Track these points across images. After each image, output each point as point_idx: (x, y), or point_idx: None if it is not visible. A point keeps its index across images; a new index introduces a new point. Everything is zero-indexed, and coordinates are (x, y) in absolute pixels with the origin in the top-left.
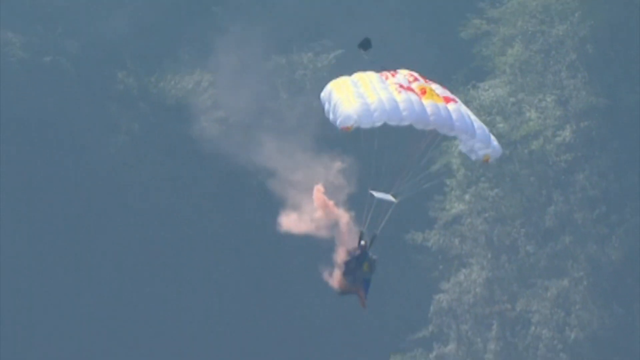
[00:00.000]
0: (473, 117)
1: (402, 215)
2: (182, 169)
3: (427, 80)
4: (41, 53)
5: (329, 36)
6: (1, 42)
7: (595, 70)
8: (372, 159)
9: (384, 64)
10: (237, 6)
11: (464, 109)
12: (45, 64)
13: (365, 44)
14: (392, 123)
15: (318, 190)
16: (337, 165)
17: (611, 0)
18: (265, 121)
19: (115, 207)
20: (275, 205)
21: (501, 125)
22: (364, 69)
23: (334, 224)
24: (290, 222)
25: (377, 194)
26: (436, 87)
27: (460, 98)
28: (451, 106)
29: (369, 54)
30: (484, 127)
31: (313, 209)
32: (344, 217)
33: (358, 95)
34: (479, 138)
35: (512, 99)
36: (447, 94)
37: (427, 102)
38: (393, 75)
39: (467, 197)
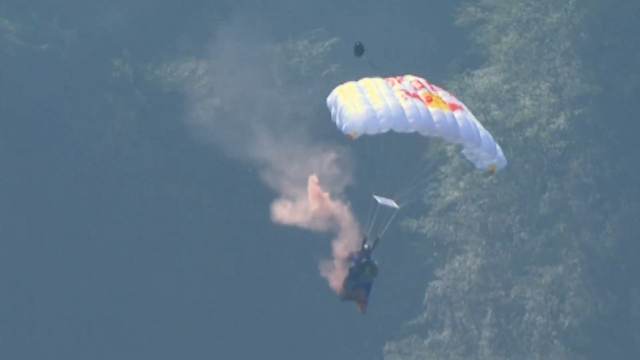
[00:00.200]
0: (479, 125)
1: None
2: (178, 157)
3: (433, 87)
4: (37, 41)
5: (324, 24)
6: None
7: (590, 57)
8: (377, 163)
9: (379, 52)
10: None
11: (470, 117)
12: (42, 52)
13: (359, 50)
14: (398, 130)
15: (312, 181)
16: (332, 156)
17: None
18: (260, 109)
19: (110, 195)
20: (270, 194)
21: (495, 112)
22: (360, 58)
23: (330, 217)
24: (284, 212)
25: (381, 200)
26: (443, 94)
27: (454, 85)
28: (457, 114)
29: (367, 56)
30: (490, 136)
31: (307, 200)
32: (339, 210)
33: (364, 101)
34: (484, 147)
35: (506, 87)
36: (454, 101)
37: (433, 109)
38: (399, 82)
39: (461, 184)
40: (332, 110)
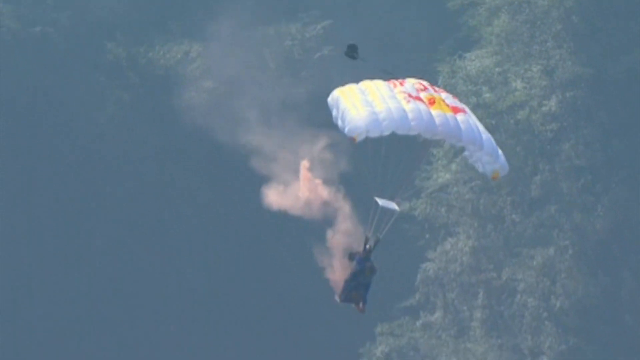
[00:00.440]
0: (481, 128)
1: (389, 184)
2: (172, 139)
3: (436, 89)
4: (31, 24)
5: (317, 7)
6: None
7: (581, 40)
8: (377, 165)
9: (371, 34)
10: None
11: (472, 120)
12: (35, 35)
13: (352, 51)
14: (401, 132)
15: (304, 166)
16: (324, 140)
17: None
18: (252, 92)
19: (104, 177)
20: (264, 178)
21: (487, 95)
22: (352, 40)
23: (323, 204)
24: (275, 196)
25: (381, 202)
26: (446, 97)
27: (446, 68)
28: (460, 117)
29: (360, 52)
30: (492, 139)
31: (298, 185)
32: (332, 197)
33: (366, 104)
34: (486, 150)
35: (498, 69)
36: (457, 104)
37: (435, 112)
38: (401, 84)
39: (453, 166)
40: (334, 112)
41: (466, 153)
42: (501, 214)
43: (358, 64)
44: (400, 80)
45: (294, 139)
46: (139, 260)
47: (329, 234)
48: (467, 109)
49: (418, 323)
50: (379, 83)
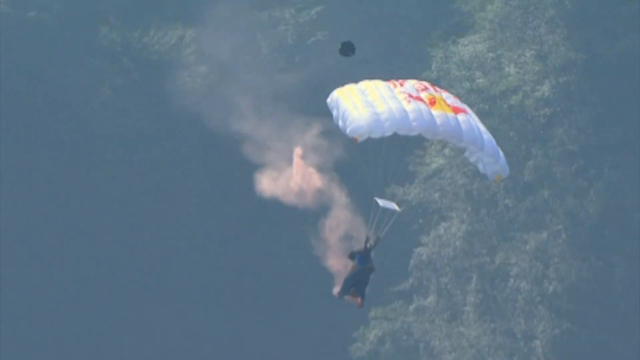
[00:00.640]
0: (483, 129)
1: (382, 169)
2: (165, 123)
3: (437, 89)
4: (25, 8)
5: None
6: None
7: (574, 25)
8: (379, 164)
9: (365, 20)
10: None
11: (474, 120)
12: (30, 19)
13: (347, 49)
14: (402, 133)
15: (297, 154)
16: (318, 127)
17: None
18: (246, 76)
19: (98, 160)
20: (256, 162)
21: (480, 80)
22: (346, 25)
23: (317, 193)
24: (268, 183)
25: (382, 202)
26: (447, 97)
27: (440, 53)
28: (461, 117)
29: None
30: (493, 140)
31: (291, 173)
32: (325, 185)
33: (367, 104)
34: (487, 151)
35: (491, 54)
36: (458, 104)
37: (436, 112)
38: (401, 85)
39: (446, 151)
40: (334, 112)
41: (467, 153)
42: (494, 199)
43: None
44: (400, 81)
45: (287, 125)
46: (133, 242)
47: (324, 223)
48: (468, 109)
49: (411, 307)
50: (378, 83)
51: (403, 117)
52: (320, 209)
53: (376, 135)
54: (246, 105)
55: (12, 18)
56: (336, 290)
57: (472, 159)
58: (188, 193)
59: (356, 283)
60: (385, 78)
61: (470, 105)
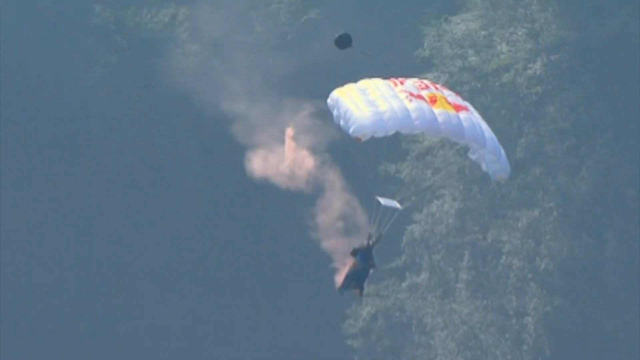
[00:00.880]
0: (485, 126)
1: (375, 147)
2: (158, 101)
3: (437, 87)
4: None
5: None
6: None
7: (566, 3)
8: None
9: (356, 1)
10: None
11: (475, 118)
12: None
13: (343, 42)
14: (404, 132)
15: (288, 135)
16: (310, 107)
17: None
18: (239, 55)
19: (91, 139)
20: (247, 141)
21: (473, 58)
22: (339, 4)
23: (310, 176)
24: (259, 163)
25: (384, 201)
26: (448, 94)
27: (432, 32)
28: (462, 115)
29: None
30: (495, 138)
31: (283, 154)
32: (316, 168)
33: (368, 103)
34: (489, 149)
35: (483, 33)
36: (459, 101)
37: (437, 110)
38: (402, 83)
39: None
40: (335, 112)
41: (470, 152)
42: (486, 177)
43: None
44: (400, 79)
45: (279, 105)
46: (125, 221)
47: (319, 205)
48: (469, 107)
49: (404, 284)
50: (378, 82)
51: (405, 116)
52: (315, 192)
53: (379, 134)
54: (238, 84)
55: None
56: (337, 285)
57: (474, 157)
58: (181, 171)
59: (356, 278)
60: (377, 57)
61: (463, 84)
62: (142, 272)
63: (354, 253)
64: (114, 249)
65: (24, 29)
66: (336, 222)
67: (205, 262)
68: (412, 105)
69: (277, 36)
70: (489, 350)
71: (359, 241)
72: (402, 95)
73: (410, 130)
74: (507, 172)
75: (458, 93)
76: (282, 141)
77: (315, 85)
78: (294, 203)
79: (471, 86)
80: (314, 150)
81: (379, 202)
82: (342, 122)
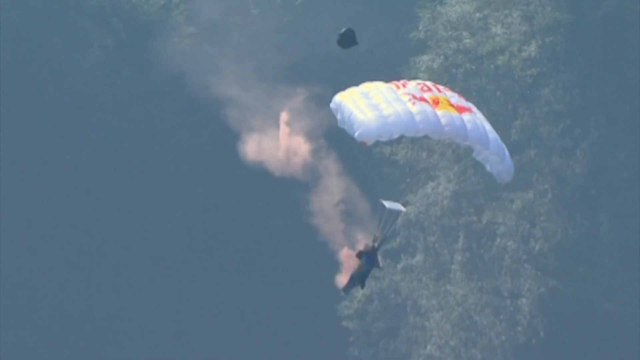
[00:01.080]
0: (489, 127)
1: None
2: (154, 84)
3: (440, 88)
4: None
5: None
6: None
7: None
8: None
9: None
10: None
11: (479, 119)
12: None
13: (347, 40)
14: (409, 135)
15: (283, 120)
16: (305, 91)
17: None
18: (235, 37)
19: (86, 121)
20: (242, 125)
21: (467, 40)
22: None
23: (305, 162)
24: (253, 147)
25: (388, 204)
26: (451, 96)
27: (426, 14)
28: (466, 116)
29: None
30: (499, 139)
31: (277, 140)
32: (309, 154)
33: (372, 107)
34: (492, 149)
35: (478, 15)
36: (462, 102)
37: (440, 112)
38: (404, 86)
39: None
40: (339, 116)
41: (474, 153)
42: None
43: (344, 15)
44: (402, 82)
45: (274, 88)
46: (121, 202)
47: (315, 191)
48: (473, 108)
49: (399, 266)
50: (380, 85)
51: (409, 120)
52: (311, 178)
53: (384, 138)
54: (234, 67)
55: None
56: (341, 286)
57: (479, 158)
58: (177, 152)
59: (360, 278)
60: (373, 40)
61: (457, 66)
62: (137, 254)
63: (360, 255)
64: (109, 230)
65: (19, 11)
66: (333, 208)
67: (200, 245)
68: (415, 109)
69: (273, 19)
70: (483, 331)
71: (355, 228)
72: (405, 98)
73: (414, 133)
74: (510, 174)
75: (461, 94)
76: (277, 125)
77: (311, 69)
78: (290, 185)
79: (466, 68)
80: (309, 136)
81: (383, 206)
82: (346, 127)
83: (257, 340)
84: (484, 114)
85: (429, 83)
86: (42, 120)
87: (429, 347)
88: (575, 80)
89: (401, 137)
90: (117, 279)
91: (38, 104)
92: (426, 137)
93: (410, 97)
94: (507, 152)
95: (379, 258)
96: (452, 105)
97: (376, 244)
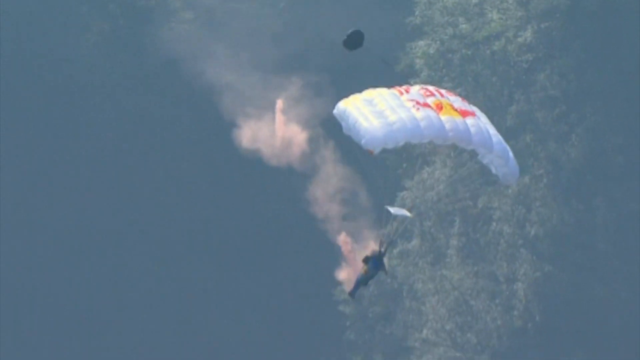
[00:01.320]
0: (493, 131)
1: None
2: (151, 69)
3: (442, 93)
4: None
5: None
6: None
7: None
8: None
9: None
10: None
11: (483, 123)
12: None
13: (354, 41)
14: (414, 141)
15: (278, 108)
16: (301, 79)
17: None
18: (232, 23)
19: (83, 106)
20: (237, 112)
21: (464, 26)
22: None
23: (302, 152)
24: (248, 135)
25: (393, 210)
26: (454, 100)
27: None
28: (469, 120)
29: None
30: (503, 141)
31: (273, 128)
32: (305, 143)
33: (377, 115)
34: (497, 153)
35: (474, 0)
36: (466, 107)
37: (444, 117)
38: (407, 91)
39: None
40: (343, 124)
41: (479, 156)
42: None
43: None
44: (405, 87)
45: (271, 75)
46: (118, 187)
47: (314, 181)
48: (476, 112)
49: (395, 251)
50: (383, 91)
51: (415, 126)
52: (309, 167)
53: (390, 146)
54: (231, 52)
55: None
56: (348, 290)
57: (484, 161)
58: (174, 138)
59: (366, 280)
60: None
61: (454, 51)
62: (133, 242)
63: (366, 260)
64: (106, 217)
65: None
66: (331, 196)
67: (198, 231)
68: (420, 114)
69: (270, 5)
70: (479, 315)
71: (354, 223)
72: (409, 105)
73: (419, 139)
74: (515, 176)
75: (464, 98)
76: (272, 112)
77: (308, 57)
78: (288, 172)
79: (462, 54)
80: (306, 124)
81: (388, 211)
82: (352, 134)
83: (254, 325)
84: (479, 99)
85: (431, 87)
86: (38, 104)
87: (425, 331)
88: (571, 66)
89: (406, 143)
90: (115, 268)
91: (35, 89)
92: (431, 142)
93: (414, 103)
94: (511, 154)
95: (385, 262)
96: (455, 109)
97: (382, 249)
